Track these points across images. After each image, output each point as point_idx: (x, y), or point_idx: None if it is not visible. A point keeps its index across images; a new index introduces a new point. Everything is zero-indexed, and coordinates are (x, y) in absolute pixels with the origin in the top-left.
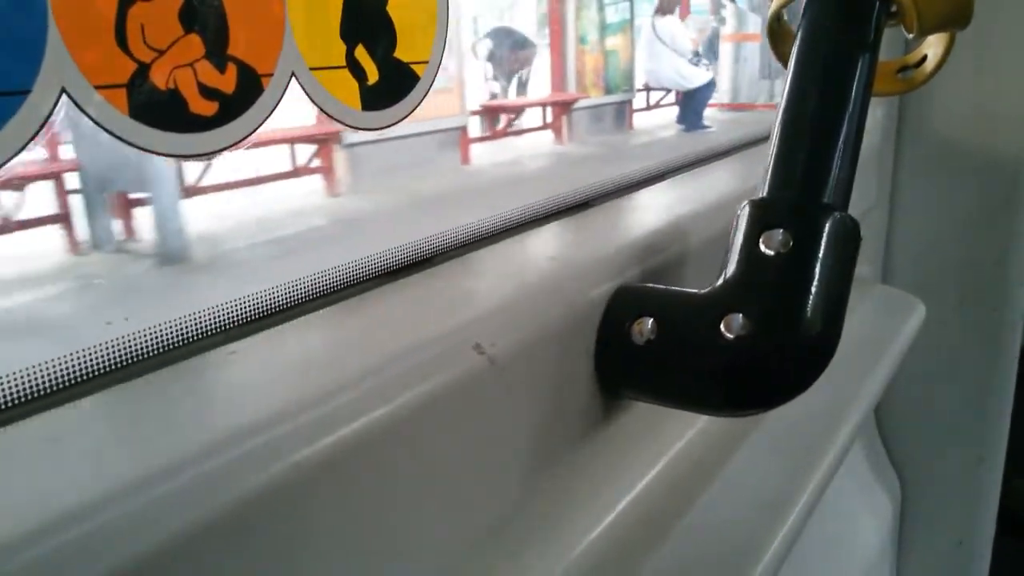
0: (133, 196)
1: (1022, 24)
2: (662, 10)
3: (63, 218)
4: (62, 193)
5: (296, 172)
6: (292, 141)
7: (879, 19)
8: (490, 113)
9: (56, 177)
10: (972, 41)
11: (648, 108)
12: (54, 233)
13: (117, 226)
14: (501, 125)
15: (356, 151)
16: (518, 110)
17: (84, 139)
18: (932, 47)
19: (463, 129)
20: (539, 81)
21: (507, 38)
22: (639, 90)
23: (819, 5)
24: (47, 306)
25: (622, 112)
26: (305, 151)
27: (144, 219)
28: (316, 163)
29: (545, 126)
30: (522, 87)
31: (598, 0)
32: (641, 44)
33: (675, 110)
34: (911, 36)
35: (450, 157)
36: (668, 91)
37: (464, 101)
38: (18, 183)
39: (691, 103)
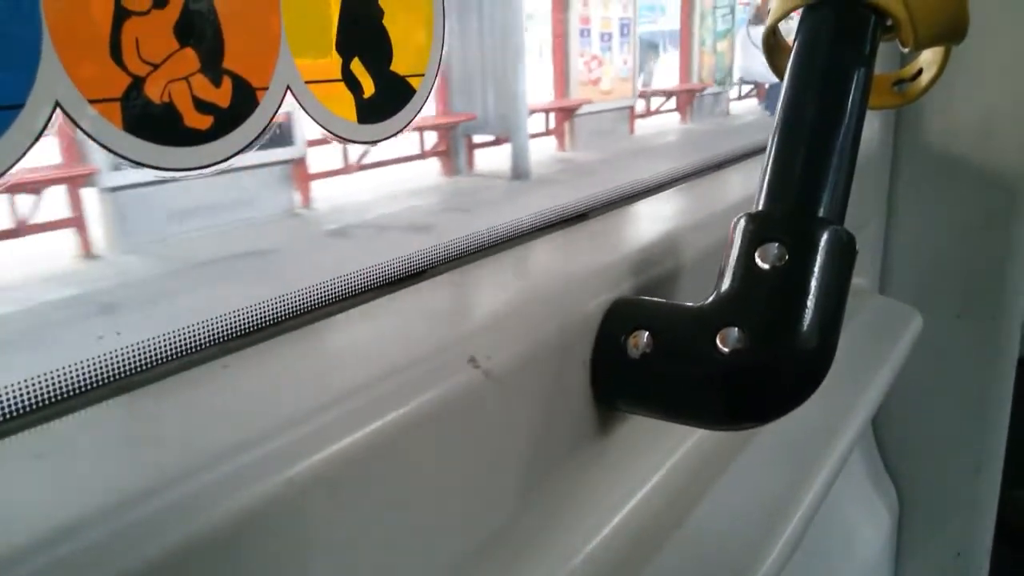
0: (478, 140)
1: (1017, 37)
2: (754, 20)
3: (444, 152)
4: (443, 135)
5: (548, 132)
6: (546, 111)
7: (875, 33)
8: (643, 97)
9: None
10: (967, 54)
11: (738, 98)
12: (432, 164)
13: (467, 160)
14: (653, 106)
15: (574, 121)
16: (667, 95)
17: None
18: (927, 61)
19: (631, 108)
20: (660, 75)
21: (640, 42)
22: (734, 83)
23: (815, 19)
24: (478, 198)
25: (721, 99)
26: (550, 119)
27: (482, 156)
28: (553, 128)
29: (674, 109)
30: (647, 79)
31: (713, 12)
32: (738, 46)
33: (754, 100)
34: (906, 50)
35: (622, 128)
36: (753, 86)
37: (636, 87)
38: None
39: (776, 93)
